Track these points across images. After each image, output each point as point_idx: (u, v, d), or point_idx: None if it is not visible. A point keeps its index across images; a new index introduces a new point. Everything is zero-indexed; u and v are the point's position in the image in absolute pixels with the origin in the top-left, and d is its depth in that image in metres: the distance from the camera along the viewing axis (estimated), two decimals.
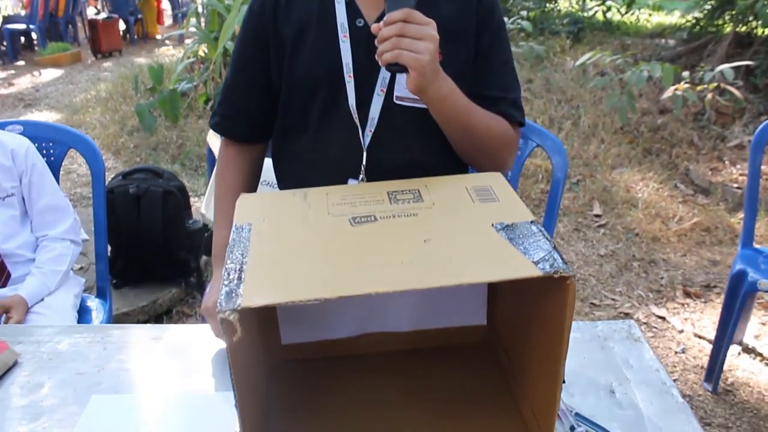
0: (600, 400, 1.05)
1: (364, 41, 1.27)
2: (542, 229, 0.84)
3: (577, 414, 1.00)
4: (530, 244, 0.80)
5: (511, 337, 1.02)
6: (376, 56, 1.14)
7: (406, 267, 0.76)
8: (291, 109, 1.38)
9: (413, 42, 1.11)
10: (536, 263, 0.75)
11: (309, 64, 1.32)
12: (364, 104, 1.31)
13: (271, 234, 0.87)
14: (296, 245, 0.84)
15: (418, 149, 1.35)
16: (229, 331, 0.71)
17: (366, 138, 1.32)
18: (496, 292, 1.08)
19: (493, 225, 0.85)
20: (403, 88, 1.25)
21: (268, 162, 1.55)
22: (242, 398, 0.77)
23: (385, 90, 1.30)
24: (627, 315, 2.80)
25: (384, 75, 1.29)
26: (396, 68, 1.14)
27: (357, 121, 1.31)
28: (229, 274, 0.77)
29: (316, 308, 1.06)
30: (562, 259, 0.76)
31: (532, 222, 0.86)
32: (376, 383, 1.05)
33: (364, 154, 1.32)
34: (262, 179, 1.54)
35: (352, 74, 1.29)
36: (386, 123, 1.31)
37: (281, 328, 1.08)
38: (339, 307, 1.07)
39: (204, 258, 2.86)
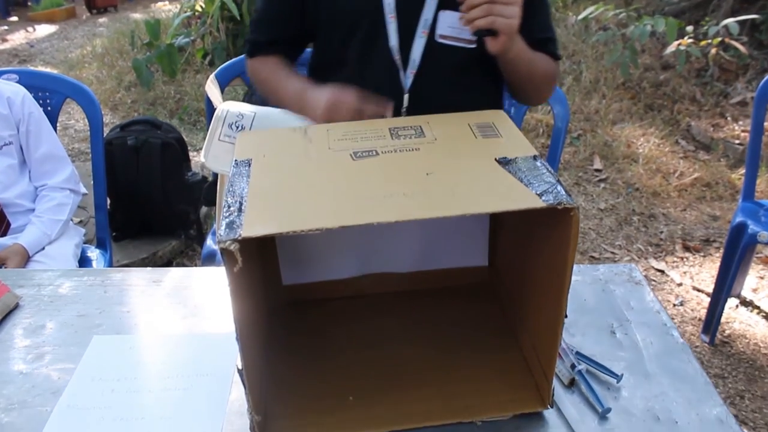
0: (601, 340, 1.06)
1: None
2: (545, 163, 0.83)
3: (577, 353, 1.00)
4: (534, 178, 0.79)
5: (513, 276, 1.02)
6: (463, 22, 1.17)
7: (408, 198, 0.75)
8: (330, 44, 1.38)
9: (504, 7, 1.15)
10: (540, 195, 0.75)
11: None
12: (405, 45, 1.31)
13: (271, 168, 0.86)
14: (296, 178, 0.84)
15: (460, 91, 1.36)
16: (229, 262, 0.70)
17: (407, 79, 1.32)
18: (498, 231, 1.08)
19: (496, 159, 0.84)
20: (446, 27, 1.28)
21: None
22: (243, 332, 0.77)
23: (427, 32, 1.30)
24: None
25: (426, 16, 1.30)
26: (485, 33, 1.18)
27: (399, 62, 1.31)
28: (229, 207, 0.76)
29: (317, 248, 1.06)
30: (566, 191, 0.75)
31: (534, 156, 0.85)
32: (378, 323, 1.06)
33: (406, 96, 1.32)
34: None
35: (394, 14, 1.29)
36: (429, 65, 1.32)
37: (282, 269, 1.08)
38: (340, 247, 1.07)
39: (204, 210, 2.85)
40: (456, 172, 0.82)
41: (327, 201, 0.78)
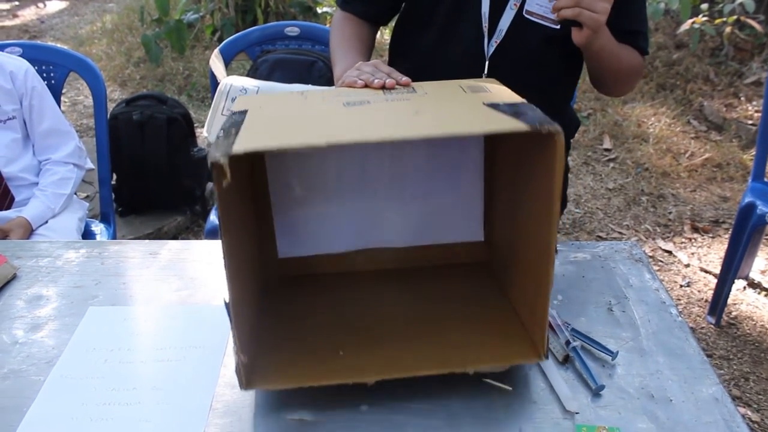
0: (598, 317, 1.05)
1: None
2: (533, 106, 0.84)
3: (573, 329, 0.99)
4: (520, 114, 0.81)
5: (506, 243, 1.02)
6: (552, 8, 1.18)
7: (395, 126, 0.78)
8: (420, 1, 1.38)
9: (593, 2, 1.14)
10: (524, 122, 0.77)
11: None
12: (494, 14, 1.32)
13: (266, 113, 0.90)
14: (290, 118, 0.87)
15: (537, 68, 1.36)
16: (219, 177, 0.72)
17: (490, 48, 1.34)
18: (492, 204, 1.07)
19: (484, 103, 0.87)
20: (534, 4, 1.29)
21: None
22: (232, 266, 0.77)
23: (518, 5, 1.31)
24: None
25: None
26: (571, 22, 1.18)
27: (486, 29, 1.32)
28: (223, 131, 0.80)
29: (313, 220, 1.06)
30: (551, 120, 0.77)
31: (522, 102, 0.86)
32: (373, 298, 1.05)
33: (486, 63, 1.34)
34: None
35: None
36: (512, 37, 1.33)
37: (278, 241, 1.07)
38: (336, 219, 1.07)
39: (209, 186, 2.85)
40: (443, 112, 0.87)
41: (318, 128, 0.82)
